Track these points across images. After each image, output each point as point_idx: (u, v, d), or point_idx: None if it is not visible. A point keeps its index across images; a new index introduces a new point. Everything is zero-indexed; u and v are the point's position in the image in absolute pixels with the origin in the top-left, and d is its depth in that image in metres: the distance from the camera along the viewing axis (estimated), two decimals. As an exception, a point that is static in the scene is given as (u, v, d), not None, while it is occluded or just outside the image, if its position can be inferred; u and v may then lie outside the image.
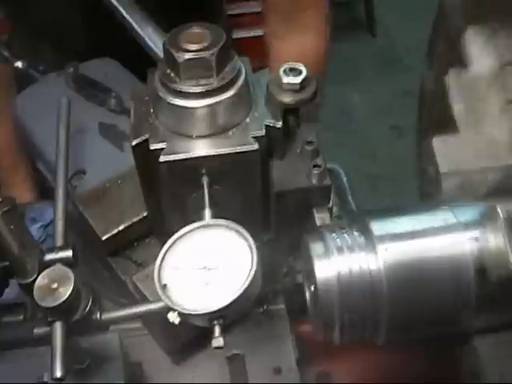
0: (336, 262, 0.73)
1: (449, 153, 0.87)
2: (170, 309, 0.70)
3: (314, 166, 0.82)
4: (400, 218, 0.78)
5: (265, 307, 1.06)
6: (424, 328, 0.79)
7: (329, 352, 1.08)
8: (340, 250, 0.74)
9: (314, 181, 0.82)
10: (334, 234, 0.76)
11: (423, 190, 1.01)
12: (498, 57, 0.92)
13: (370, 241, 0.74)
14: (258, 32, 2.22)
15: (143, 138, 0.79)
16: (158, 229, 0.93)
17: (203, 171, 0.79)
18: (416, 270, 0.73)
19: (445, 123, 0.93)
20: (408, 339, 0.85)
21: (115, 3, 0.99)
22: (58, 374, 0.69)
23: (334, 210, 0.91)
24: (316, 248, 0.75)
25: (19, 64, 1.35)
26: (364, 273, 0.73)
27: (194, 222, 0.75)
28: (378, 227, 0.75)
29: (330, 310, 0.73)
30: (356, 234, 0.76)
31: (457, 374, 0.87)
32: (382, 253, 0.73)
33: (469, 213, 0.77)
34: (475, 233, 0.74)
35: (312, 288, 0.77)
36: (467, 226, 0.75)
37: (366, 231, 0.75)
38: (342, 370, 1.11)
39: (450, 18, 1.01)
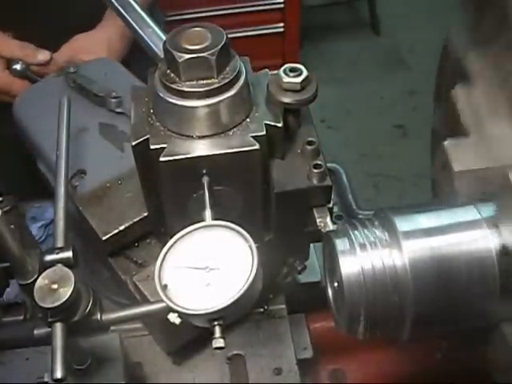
0: (361, 258, 0.73)
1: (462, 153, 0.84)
2: (170, 309, 0.69)
3: (315, 166, 0.82)
4: (423, 214, 0.78)
5: (265, 307, 1.06)
6: (448, 323, 0.79)
7: (342, 349, 1.08)
8: (364, 245, 0.74)
9: (315, 181, 0.82)
10: (357, 230, 0.76)
11: (437, 188, 0.98)
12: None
13: (395, 236, 0.74)
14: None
15: (144, 137, 0.79)
16: (158, 229, 0.93)
17: (204, 171, 0.79)
18: (441, 265, 0.73)
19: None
20: (432, 334, 0.85)
21: (115, 3, 0.99)
22: (59, 374, 0.69)
23: (335, 209, 0.90)
24: (340, 244, 0.75)
25: (18, 66, 1.36)
26: (389, 268, 0.73)
27: (195, 222, 0.75)
28: (402, 223, 0.75)
29: (356, 306, 0.73)
30: (380, 230, 0.76)
31: (485, 362, 0.87)
32: (407, 248, 0.73)
33: (492, 209, 0.76)
34: (500, 228, 0.74)
35: (335, 284, 0.77)
36: (491, 221, 0.75)
37: (390, 227, 0.75)
38: (355, 367, 1.11)
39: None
